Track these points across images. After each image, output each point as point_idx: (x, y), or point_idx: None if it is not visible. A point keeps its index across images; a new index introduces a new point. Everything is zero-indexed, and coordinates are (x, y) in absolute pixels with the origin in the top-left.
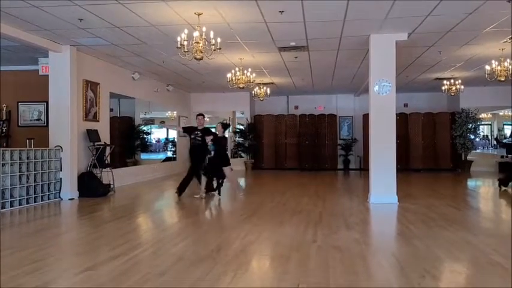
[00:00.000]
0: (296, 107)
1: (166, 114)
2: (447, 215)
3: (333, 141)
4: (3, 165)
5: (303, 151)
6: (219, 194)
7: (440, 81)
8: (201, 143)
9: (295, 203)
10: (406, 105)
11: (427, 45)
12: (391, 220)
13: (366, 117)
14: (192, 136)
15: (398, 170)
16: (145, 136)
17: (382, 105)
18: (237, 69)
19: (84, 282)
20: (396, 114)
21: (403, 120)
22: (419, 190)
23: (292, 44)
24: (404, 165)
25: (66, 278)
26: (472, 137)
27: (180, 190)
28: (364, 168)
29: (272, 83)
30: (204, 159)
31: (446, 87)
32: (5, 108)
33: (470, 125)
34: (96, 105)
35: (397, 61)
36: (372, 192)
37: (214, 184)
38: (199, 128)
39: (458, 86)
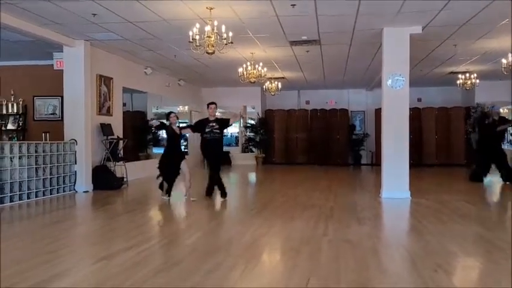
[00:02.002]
0: (307, 102)
1: (178, 108)
2: (460, 210)
3: (344, 136)
4: (20, 158)
5: (314, 146)
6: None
7: (455, 75)
8: (220, 136)
9: (306, 198)
10: (419, 99)
11: (441, 39)
12: (404, 215)
13: (378, 111)
14: (208, 129)
15: (411, 165)
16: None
17: (395, 99)
18: (248, 63)
19: (99, 272)
20: (409, 108)
21: (416, 115)
22: (432, 185)
23: (304, 38)
24: (417, 160)
25: (81, 267)
26: None
27: (210, 192)
28: (376, 163)
29: (283, 78)
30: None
31: (461, 81)
32: (21, 103)
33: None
34: (110, 100)
35: (410, 55)
36: (384, 187)
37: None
38: (211, 118)
39: (473, 80)
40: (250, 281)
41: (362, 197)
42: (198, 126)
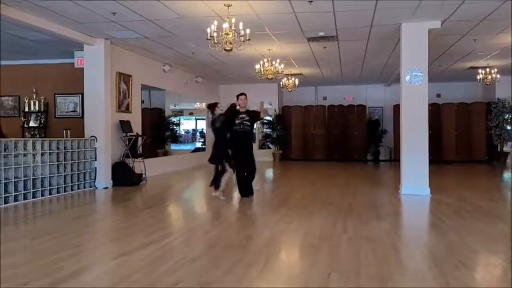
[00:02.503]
0: (325, 98)
1: (196, 105)
2: (482, 207)
3: (362, 132)
4: (42, 154)
5: (332, 142)
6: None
7: (475, 70)
8: (250, 129)
9: (324, 194)
10: (438, 95)
11: (461, 33)
12: (424, 212)
13: (396, 107)
14: (238, 121)
15: (430, 162)
16: (175, 127)
17: (413, 95)
18: (265, 60)
19: (120, 267)
20: (428, 104)
21: (435, 111)
22: (452, 182)
23: (321, 34)
24: (437, 156)
25: (102, 262)
26: (509, 127)
27: (247, 191)
28: (394, 159)
29: (300, 74)
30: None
31: (481, 76)
32: (42, 101)
33: (507, 115)
34: (129, 97)
35: (429, 50)
36: (403, 184)
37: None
38: (242, 110)
39: (493, 75)
40: (271, 276)
41: (381, 194)
42: (227, 121)
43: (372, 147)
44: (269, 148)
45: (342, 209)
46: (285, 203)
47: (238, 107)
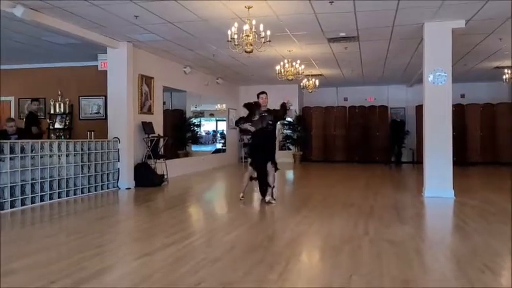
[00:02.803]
0: (345, 99)
1: (216, 106)
2: (507, 210)
3: (383, 133)
4: (67, 155)
5: (353, 143)
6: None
7: (500, 70)
8: (273, 129)
9: (345, 196)
10: (463, 95)
11: (486, 33)
12: (448, 214)
13: (419, 108)
14: (264, 122)
15: (454, 163)
16: (195, 128)
17: (437, 96)
18: (285, 61)
19: (142, 267)
20: (452, 105)
21: (459, 112)
22: (477, 184)
23: (342, 34)
24: (461, 158)
25: (126, 262)
26: None
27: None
28: (417, 161)
29: (321, 75)
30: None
31: (507, 76)
32: (67, 103)
33: None
34: (151, 99)
35: (453, 49)
36: (426, 186)
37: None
38: (263, 109)
39: None
40: (292, 277)
41: (403, 196)
42: (256, 122)
43: (395, 148)
44: (289, 149)
45: (363, 211)
46: (305, 205)
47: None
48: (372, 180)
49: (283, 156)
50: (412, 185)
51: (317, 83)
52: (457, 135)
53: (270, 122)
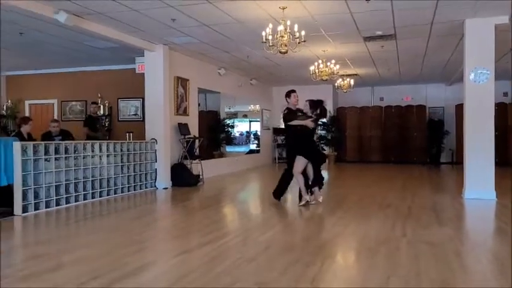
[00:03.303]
0: (381, 98)
1: (250, 107)
2: None
3: (421, 133)
4: (107, 156)
5: (389, 144)
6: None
7: None
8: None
9: (381, 197)
10: (505, 94)
11: None
12: (489, 216)
13: (459, 107)
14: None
15: (496, 164)
16: (229, 129)
17: (478, 94)
18: (320, 61)
19: (181, 264)
20: (495, 104)
21: (502, 111)
22: None
23: (379, 33)
24: (504, 158)
25: (165, 259)
26: None
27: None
28: (457, 161)
29: (356, 74)
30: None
31: None
32: (107, 105)
33: None
34: (186, 101)
35: (496, 46)
36: (466, 187)
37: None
38: (294, 108)
39: None
40: (328, 278)
41: (442, 197)
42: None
43: (433, 149)
44: (323, 150)
45: (401, 213)
46: (340, 206)
47: (289, 105)
48: (409, 181)
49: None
50: (451, 186)
51: (352, 82)
52: (500, 135)
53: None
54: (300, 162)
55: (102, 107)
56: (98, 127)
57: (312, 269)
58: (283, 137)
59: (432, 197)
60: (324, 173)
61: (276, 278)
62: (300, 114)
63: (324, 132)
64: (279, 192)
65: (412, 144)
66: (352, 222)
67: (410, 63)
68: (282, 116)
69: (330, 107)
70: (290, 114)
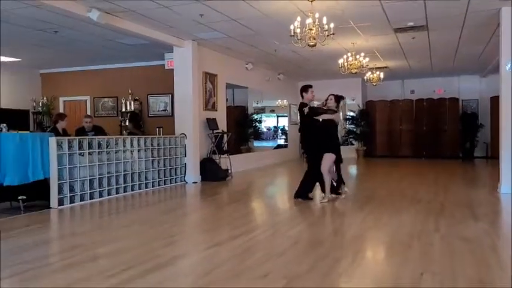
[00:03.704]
0: (412, 91)
1: (277, 102)
2: None
3: (454, 126)
4: (138, 151)
5: (420, 138)
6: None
7: None
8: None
9: (413, 192)
10: None
11: None
12: None
13: (494, 100)
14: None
15: None
16: (257, 124)
17: None
18: (349, 54)
19: (213, 257)
20: None
21: None
22: None
23: (410, 24)
24: None
25: (196, 252)
26: None
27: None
28: (492, 156)
29: (386, 67)
30: None
31: None
32: (137, 100)
33: None
34: (214, 96)
35: None
36: (502, 182)
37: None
38: (316, 104)
39: None
40: (359, 273)
41: (476, 192)
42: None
43: (466, 143)
44: (352, 144)
45: (433, 208)
46: (370, 200)
47: (304, 101)
48: (441, 175)
49: (346, 152)
50: (486, 181)
51: (382, 75)
52: None
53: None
54: (330, 160)
55: (132, 102)
56: (140, 124)
57: (341, 264)
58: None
59: (466, 192)
60: (353, 168)
61: (306, 272)
62: (325, 108)
63: (352, 126)
64: (303, 192)
65: (444, 138)
66: (383, 217)
67: (442, 55)
68: (301, 111)
69: (358, 100)
70: (314, 108)
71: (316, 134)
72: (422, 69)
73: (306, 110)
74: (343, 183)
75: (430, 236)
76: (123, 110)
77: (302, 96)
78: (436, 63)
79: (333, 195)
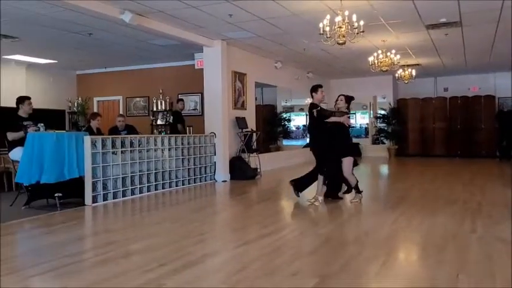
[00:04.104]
0: (445, 89)
1: (306, 101)
2: None
3: (490, 125)
4: (169, 149)
5: (454, 136)
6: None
7: None
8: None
9: (447, 192)
10: None
11: None
12: None
13: None
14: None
15: None
16: (286, 123)
17: None
18: (379, 51)
19: (243, 255)
20: None
21: None
22: None
23: (443, 20)
24: None
25: (226, 250)
26: None
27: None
28: None
29: (418, 64)
30: None
31: None
32: (168, 100)
33: None
34: (244, 95)
35: None
36: None
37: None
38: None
39: None
40: (392, 273)
41: None
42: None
43: (503, 141)
44: (383, 143)
45: (469, 208)
46: (403, 200)
47: (314, 101)
48: (477, 175)
49: (377, 151)
50: None
51: (413, 73)
52: None
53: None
54: (350, 163)
55: (163, 102)
56: (184, 123)
57: (374, 264)
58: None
59: (504, 192)
60: (384, 168)
61: (337, 271)
62: (335, 110)
63: (383, 125)
64: (299, 185)
65: (479, 137)
66: (416, 218)
67: (477, 51)
68: (311, 112)
69: (390, 98)
70: (324, 110)
71: (327, 135)
72: (456, 66)
73: (315, 112)
74: (340, 189)
75: (466, 237)
76: (155, 109)
77: (312, 97)
78: (471, 60)
79: (330, 199)
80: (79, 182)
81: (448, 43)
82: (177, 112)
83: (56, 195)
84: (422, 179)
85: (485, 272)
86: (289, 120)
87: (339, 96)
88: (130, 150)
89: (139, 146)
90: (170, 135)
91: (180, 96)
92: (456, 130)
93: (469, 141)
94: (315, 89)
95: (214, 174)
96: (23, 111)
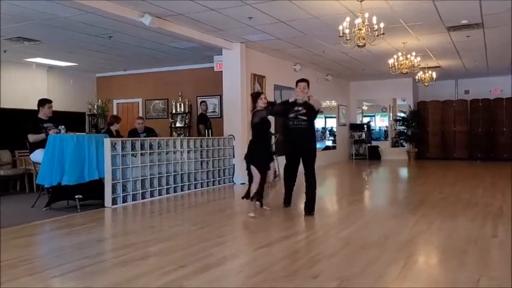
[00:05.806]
0: (466, 92)
1: (325, 103)
2: None
3: None
4: (188, 152)
5: (475, 139)
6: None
7: None
8: (307, 125)
9: (468, 195)
10: None
11: None
12: None
13: None
14: (292, 115)
15: None
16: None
17: None
18: (399, 54)
19: (263, 257)
20: None
21: None
22: None
23: (464, 22)
24: None
25: (246, 252)
26: None
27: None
28: None
29: (438, 67)
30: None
31: None
32: (187, 103)
33: None
34: None
35: None
36: None
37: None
38: (300, 101)
39: None
40: (412, 276)
41: None
42: (281, 109)
43: None
44: (403, 146)
45: (491, 212)
46: (423, 203)
47: (293, 99)
48: (499, 179)
49: (396, 154)
50: None
51: (434, 75)
52: None
53: (304, 118)
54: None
55: (182, 104)
56: (208, 124)
57: (394, 267)
58: (360, 133)
59: None
60: (404, 171)
61: (358, 274)
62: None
63: (403, 127)
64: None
65: (501, 140)
66: (437, 221)
67: (499, 53)
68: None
69: (409, 101)
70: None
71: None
72: (477, 69)
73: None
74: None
75: (487, 241)
76: (173, 111)
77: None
78: (493, 62)
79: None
80: (99, 184)
81: (469, 45)
82: (202, 115)
83: (76, 197)
84: (443, 182)
85: (506, 276)
86: None
87: (262, 94)
88: (150, 153)
89: (158, 148)
90: (189, 137)
91: (200, 99)
92: (477, 133)
93: (491, 145)
94: (295, 83)
95: (233, 177)
96: (43, 114)
